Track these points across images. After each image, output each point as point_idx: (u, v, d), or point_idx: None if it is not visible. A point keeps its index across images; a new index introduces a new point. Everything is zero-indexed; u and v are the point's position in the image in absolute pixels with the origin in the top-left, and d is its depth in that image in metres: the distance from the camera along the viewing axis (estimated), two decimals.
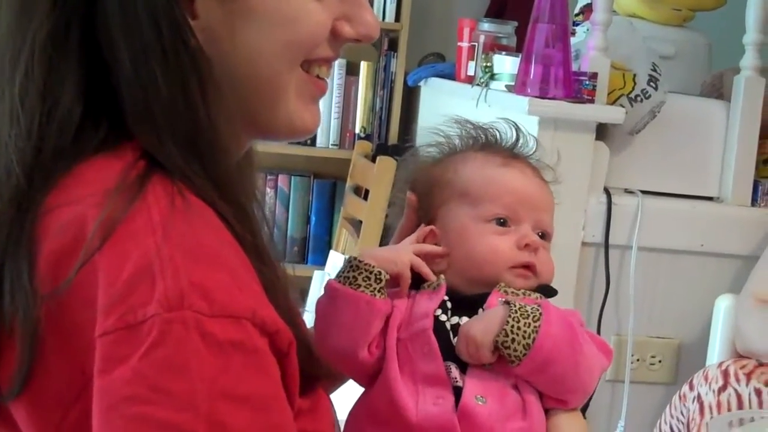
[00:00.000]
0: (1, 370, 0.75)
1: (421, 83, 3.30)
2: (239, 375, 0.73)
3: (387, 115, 3.60)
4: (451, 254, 1.08)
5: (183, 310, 0.71)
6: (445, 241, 1.09)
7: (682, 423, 2.07)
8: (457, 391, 0.99)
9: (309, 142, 3.55)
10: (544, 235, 1.09)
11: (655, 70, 2.41)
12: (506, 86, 2.50)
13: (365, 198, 3.12)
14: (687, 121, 2.53)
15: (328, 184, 3.68)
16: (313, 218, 3.67)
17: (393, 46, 3.57)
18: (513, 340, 0.98)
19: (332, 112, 3.58)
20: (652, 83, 2.40)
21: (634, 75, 2.40)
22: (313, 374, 0.85)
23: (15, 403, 0.75)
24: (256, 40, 0.83)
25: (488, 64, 2.60)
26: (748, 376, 2.02)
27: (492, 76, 2.59)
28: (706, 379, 2.05)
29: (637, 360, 2.49)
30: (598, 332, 2.43)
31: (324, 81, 0.90)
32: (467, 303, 1.04)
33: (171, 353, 0.70)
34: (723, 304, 2.38)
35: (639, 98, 2.39)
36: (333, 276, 1.03)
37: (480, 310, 1.03)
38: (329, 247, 3.43)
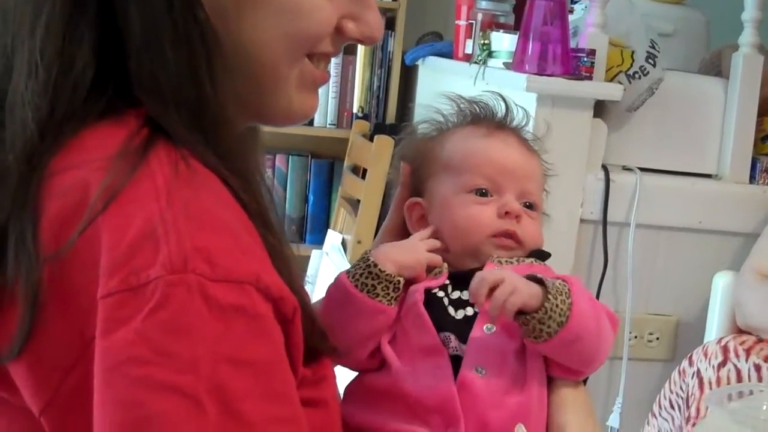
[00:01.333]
0: (2, 331, 0.75)
1: (419, 62, 3.30)
2: (241, 339, 0.72)
3: (385, 94, 3.59)
4: (438, 228, 1.08)
5: (186, 273, 0.71)
6: (431, 213, 1.10)
7: (682, 398, 2.07)
8: (457, 360, 0.99)
9: (307, 121, 3.53)
10: (531, 205, 1.09)
11: (653, 47, 2.41)
12: (504, 64, 2.50)
13: (363, 177, 3.12)
14: (685, 99, 2.53)
15: (326, 163, 3.68)
16: (311, 197, 3.67)
17: (390, 25, 3.56)
18: (550, 317, 0.97)
19: (330, 91, 3.57)
20: (650, 60, 2.40)
21: (633, 52, 2.40)
22: (316, 346, 0.85)
23: (14, 364, 0.75)
24: (261, 25, 0.83)
25: (486, 42, 2.60)
26: (748, 351, 2.03)
27: (490, 54, 2.59)
28: (705, 354, 2.05)
29: (635, 337, 2.50)
30: None
31: (326, 72, 0.91)
32: (464, 278, 1.04)
33: (173, 316, 0.70)
34: (721, 281, 2.38)
35: (637, 75, 2.38)
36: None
37: None
38: (327, 227, 3.43)
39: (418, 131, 1.17)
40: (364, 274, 1.01)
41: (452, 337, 1.00)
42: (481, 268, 1.04)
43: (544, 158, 1.14)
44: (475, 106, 1.15)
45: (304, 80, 0.88)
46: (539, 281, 1.00)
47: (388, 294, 1.01)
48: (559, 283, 1.00)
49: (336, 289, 1.02)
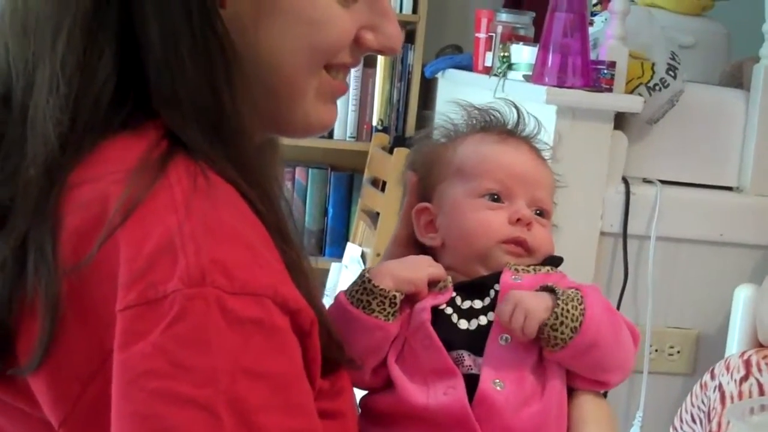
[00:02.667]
0: (22, 343, 0.75)
1: (439, 75, 3.30)
2: (259, 352, 0.73)
3: (404, 107, 3.60)
4: (447, 232, 1.07)
5: (204, 286, 0.71)
6: (440, 218, 1.08)
7: (703, 412, 2.06)
8: (473, 379, 0.98)
9: (326, 134, 3.54)
10: (542, 213, 1.08)
11: (673, 59, 2.40)
12: (524, 76, 2.50)
13: (383, 190, 3.12)
14: (706, 111, 2.51)
15: (346, 176, 3.68)
16: (330, 210, 3.67)
17: (410, 38, 3.57)
18: (561, 323, 0.97)
19: (350, 104, 3.58)
20: (670, 72, 2.39)
21: (653, 64, 2.39)
22: (333, 358, 0.84)
23: (34, 376, 0.75)
24: (279, 37, 0.83)
25: (506, 54, 2.60)
26: None
27: (509, 66, 2.59)
28: (727, 368, 2.04)
29: (656, 350, 2.48)
30: None
31: (344, 83, 0.91)
32: (476, 287, 1.04)
33: (192, 329, 0.70)
34: (742, 294, 2.36)
35: (657, 87, 2.37)
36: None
37: (491, 291, 1.02)
38: (346, 240, 3.43)
39: (428, 139, 1.17)
40: (359, 290, 1.00)
41: (465, 354, 0.99)
42: (492, 276, 1.04)
43: (554, 169, 1.14)
44: (486, 114, 1.14)
45: (322, 91, 0.88)
46: (550, 290, 0.99)
47: (384, 309, 0.99)
48: (571, 291, 0.99)
49: (335, 307, 1.00)
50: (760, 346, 2.21)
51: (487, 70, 2.76)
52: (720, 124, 2.52)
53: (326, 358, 0.81)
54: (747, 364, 2.02)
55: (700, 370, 2.29)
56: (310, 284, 0.82)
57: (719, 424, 1.95)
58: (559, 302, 0.98)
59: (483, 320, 1.01)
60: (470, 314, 1.02)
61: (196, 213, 0.74)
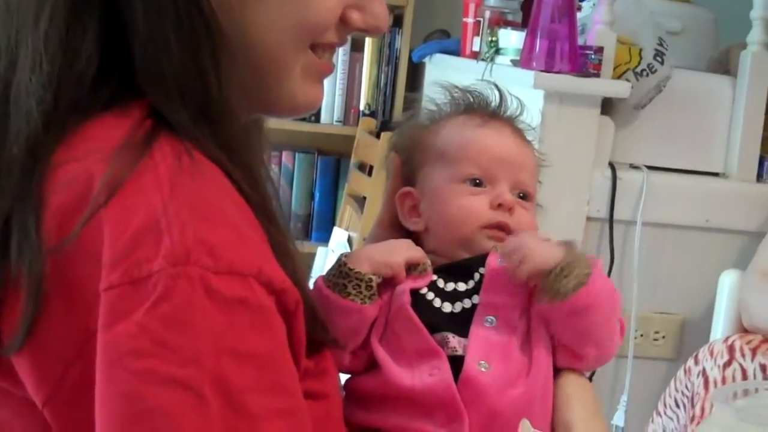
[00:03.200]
0: (5, 322, 0.75)
1: (426, 59, 3.29)
2: (244, 332, 0.72)
3: (392, 91, 3.59)
4: (429, 218, 1.08)
5: (189, 265, 0.71)
6: (423, 203, 1.08)
7: (687, 397, 2.07)
8: (458, 360, 0.98)
9: (313, 118, 3.54)
10: (526, 196, 1.08)
11: (661, 45, 2.40)
12: (511, 61, 2.50)
13: (369, 174, 3.12)
14: (693, 97, 2.52)
15: (333, 160, 3.67)
16: (317, 195, 3.67)
17: (398, 22, 3.56)
18: (566, 275, 0.97)
19: (337, 88, 3.57)
20: (658, 58, 2.39)
21: (641, 49, 2.39)
22: (318, 338, 0.84)
23: (17, 356, 0.75)
24: (266, 16, 0.83)
25: (493, 39, 2.59)
26: (754, 351, 2.02)
27: (497, 51, 2.59)
28: (711, 353, 2.05)
29: (641, 335, 2.49)
30: None
31: (331, 62, 0.90)
32: (460, 269, 1.04)
33: (176, 308, 0.70)
34: (727, 279, 2.38)
35: (645, 73, 2.38)
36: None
37: (476, 274, 1.03)
38: (333, 224, 3.43)
39: (412, 121, 1.17)
40: (336, 273, 1.00)
41: (450, 336, 0.99)
42: (478, 258, 1.04)
43: (543, 150, 1.14)
44: (469, 95, 1.14)
45: (308, 71, 0.87)
46: (565, 243, 1.01)
47: (361, 293, 0.99)
48: (582, 252, 1.01)
49: (314, 292, 1.00)
50: (745, 331, 2.22)
51: (475, 55, 2.76)
52: (707, 110, 2.53)
53: (311, 339, 0.81)
54: (731, 349, 2.03)
55: (685, 355, 2.30)
56: (295, 265, 0.82)
57: (703, 409, 1.96)
58: (569, 256, 0.98)
59: (467, 303, 1.01)
60: (454, 297, 1.02)
61: (181, 192, 0.74)
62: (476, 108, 1.13)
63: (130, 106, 0.79)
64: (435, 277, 1.03)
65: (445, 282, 1.03)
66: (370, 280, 0.99)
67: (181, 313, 0.70)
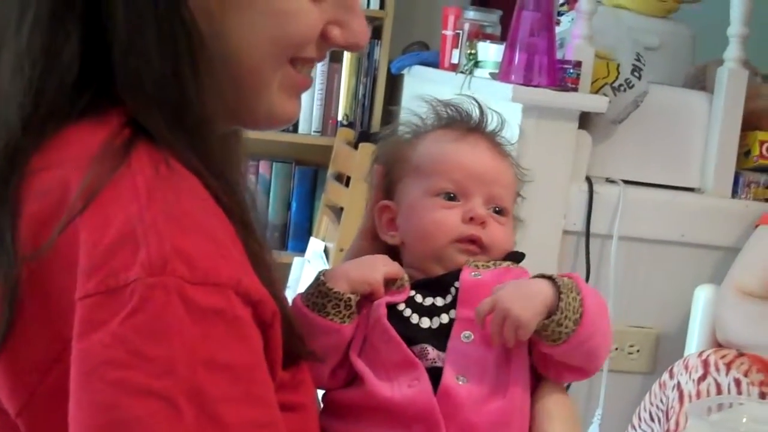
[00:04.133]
0: None
1: (405, 71, 3.29)
2: (220, 343, 0.72)
3: (370, 102, 3.59)
4: (405, 231, 1.08)
5: (165, 275, 0.70)
6: (399, 216, 1.09)
7: (662, 411, 2.07)
8: (437, 372, 0.98)
9: (291, 128, 3.53)
10: (501, 210, 1.08)
11: (639, 60, 2.42)
12: (490, 74, 2.50)
13: (347, 185, 3.12)
14: (670, 112, 2.53)
15: (310, 170, 3.67)
16: (294, 205, 3.66)
17: (377, 34, 3.56)
18: (566, 317, 0.95)
19: (315, 99, 3.57)
20: (635, 73, 2.40)
21: (618, 64, 2.40)
22: (295, 350, 0.84)
23: None
24: (246, 28, 0.83)
25: (472, 52, 2.60)
26: (728, 365, 2.03)
27: (476, 64, 2.59)
28: (686, 368, 2.05)
29: (616, 349, 2.50)
30: None
31: (309, 77, 0.90)
32: (436, 285, 1.03)
33: (152, 318, 0.69)
34: (702, 294, 2.39)
35: (622, 88, 2.39)
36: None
37: (452, 288, 1.02)
38: (310, 234, 3.43)
39: (395, 134, 1.17)
40: (314, 293, 1.00)
41: (429, 348, 0.99)
42: (452, 274, 1.03)
43: (521, 164, 1.13)
44: (450, 109, 1.14)
45: (286, 85, 0.87)
46: (549, 278, 0.98)
47: (340, 312, 0.99)
48: (567, 280, 0.98)
49: (293, 309, 0.99)
50: (719, 346, 2.23)
51: (454, 68, 2.76)
52: (683, 126, 2.54)
53: (287, 351, 0.81)
54: (705, 363, 2.04)
55: (660, 369, 2.31)
56: (272, 276, 0.82)
57: (677, 423, 1.97)
58: (562, 295, 0.96)
59: (445, 318, 1.01)
60: (431, 312, 1.01)
61: (159, 202, 0.73)
62: (455, 122, 1.13)
63: (108, 114, 0.79)
64: (413, 293, 1.03)
65: (423, 297, 1.03)
66: (349, 299, 0.99)
67: (157, 323, 0.70)
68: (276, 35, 0.84)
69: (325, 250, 3.11)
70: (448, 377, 0.97)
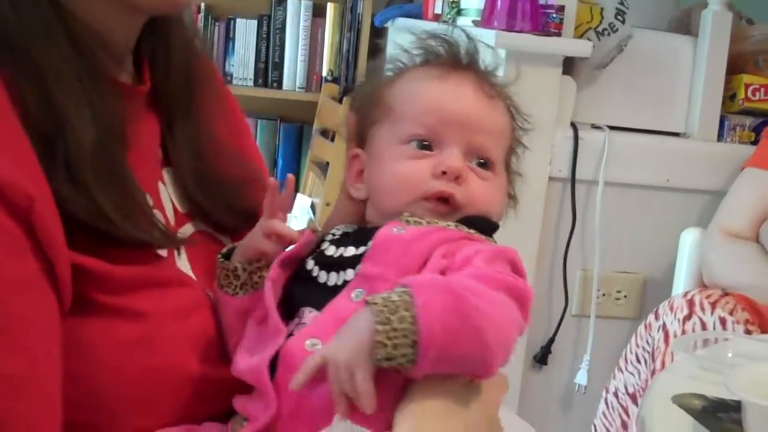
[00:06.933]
0: None
1: (388, 24, 3.27)
2: None
3: (354, 57, 3.56)
4: (369, 184, 0.95)
5: None
6: (366, 167, 0.96)
7: (648, 352, 2.07)
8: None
9: (275, 84, 3.51)
10: (486, 163, 0.93)
11: (622, 4, 2.40)
12: (473, 21, 2.48)
13: (332, 140, 3.10)
14: (654, 56, 2.52)
15: (295, 127, 3.65)
16: (280, 162, 3.64)
17: None
18: (395, 346, 0.76)
19: (299, 54, 3.54)
20: (619, 17, 2.38)
21: (602, 8, 2.39)
22: (135, 244, 0.80)
23: None
24: None
25: (455, 0, 2.58)
26: (713, 305, 2.03)
27: (459, 12, 2.57)
28: (671, 308, 2.05)
29: (603, 295, 2.50)
30: (564, 268, 2.44)
31: None
32: (362, 233, 0.91)
33: None
34: (688, 238, 2.39)
35: (606, 32, 2.37)
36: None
37: (369, 242, 0.88)
38: (297, 191, 3.41)
39: (373, 76, 1.03)
40: (217, 267, 0.93)
41: (307, 310, 0.86)
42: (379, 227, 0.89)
43: (519, 109, 1.00)
44: (437, 42, 0.98)
45: None
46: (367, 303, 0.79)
47: (231, 283, 0.91)
48: (395, 295, 0.78)
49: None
50: (705, 288, 2.23)
51: (437, 18, 2.74)
52: (668, 70, 2.53)
53: (127, 244, 0.78)
54: (690, 303, 2.04)
55: (647, 314, 2.31)
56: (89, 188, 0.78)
57: (663, 363, 1.97)
58: (378, 326, 0.76)
59: (350, 274, 0.87)
60: (338, 265, 0.88)
61: None
62: (440, 58, 0.97)
63: None
64: (326, 245, 0.91)
65: (337, 248, 0.90)
66: (236, 268, 0.91)
67: None
68: None
69: (312, 206, 3.09)
70: (295, 342, 0.83)
